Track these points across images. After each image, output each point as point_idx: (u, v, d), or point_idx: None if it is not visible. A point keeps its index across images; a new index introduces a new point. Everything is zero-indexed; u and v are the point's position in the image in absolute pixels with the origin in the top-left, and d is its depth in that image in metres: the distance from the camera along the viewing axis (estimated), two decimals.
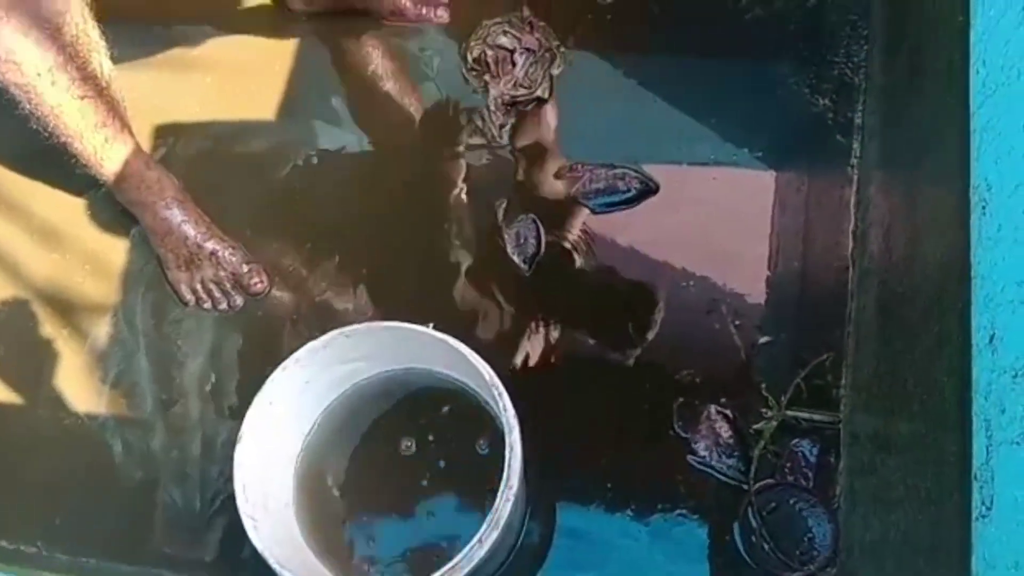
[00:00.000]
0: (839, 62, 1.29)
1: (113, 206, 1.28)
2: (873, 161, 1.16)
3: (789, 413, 1.08)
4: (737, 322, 1.16)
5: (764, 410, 1.09)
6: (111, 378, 1.23)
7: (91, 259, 1.30)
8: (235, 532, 0.99)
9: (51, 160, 1.18)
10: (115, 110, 1.17)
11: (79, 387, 1.23)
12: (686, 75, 1.35)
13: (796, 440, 1.07)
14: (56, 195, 1.34)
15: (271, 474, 1.01)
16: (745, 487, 1.05)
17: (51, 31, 1.05)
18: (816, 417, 1.08)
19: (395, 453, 1.08)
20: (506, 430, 0.93)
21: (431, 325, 1.00)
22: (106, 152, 1.16)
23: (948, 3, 0.82)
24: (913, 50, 0.98)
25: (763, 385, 1.10)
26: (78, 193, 1.32)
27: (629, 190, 1.24)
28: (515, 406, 0.94)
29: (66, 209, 1.33)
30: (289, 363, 0.99)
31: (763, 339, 1.15)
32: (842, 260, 1.17)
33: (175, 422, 1.19)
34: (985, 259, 0.67)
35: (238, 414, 1.16)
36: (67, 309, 1.28)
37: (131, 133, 1.20)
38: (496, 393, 0.93)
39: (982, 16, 0.73)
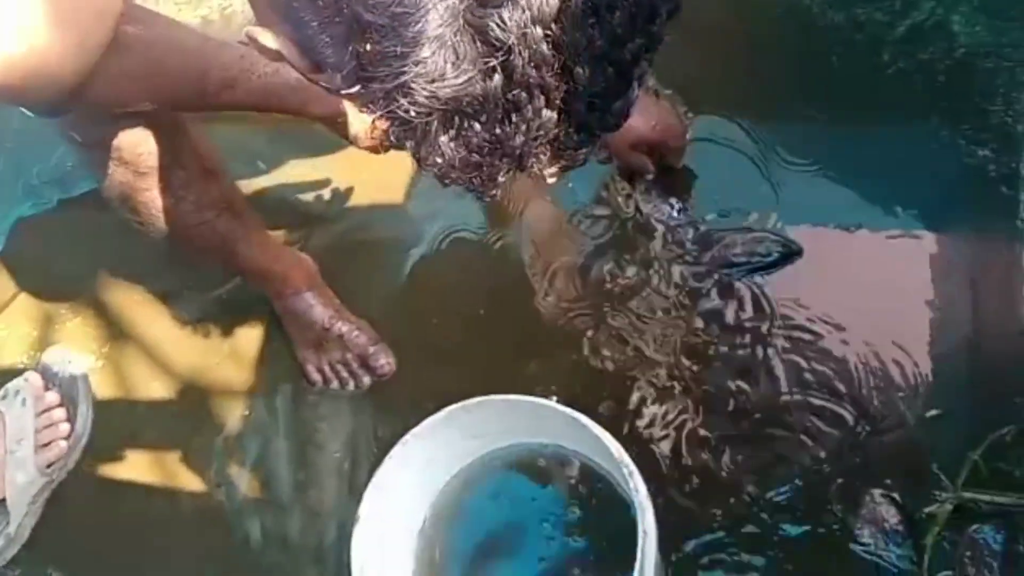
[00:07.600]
0: (997, 110, 1.18)
1: (248, 293, 1.30)
2: None
3: (966, 495, 0.95)
4: (901, 394, 1.05)
5: (936, 492, 0.96)
6: (251, 461, 1.23)
7: (229, 344, 1.32)
8: None
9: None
10: (236, 222, 1.13)
11: (220, 470, 1.23)
12: (826, 133, 1.27)
13: (976, 526, 0.94)
14: (193, 287, 1.37)
15: (389, 555, 0.96)
16: None
17: (163, 176, 1.01)
18: (999, 500, 0.94)
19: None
20: (638, 513, 0.85)
21: (554, 399, 0.94)
22: (230, 260, 1.17)
23: None
24: None
25: (934, 464, 0.99)
26: (214, 284, 1.35)
27: (770, 254, 1.16)
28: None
29: (203, 301, 1.36)
30: (408, 438, 0.95)
31: (932, 412, 1.03)
32: (1019, 324, 1.04)
33: (312, 506, 1.18)
34: None
35: None
36: (207, 394, 1.29)
37: (256, 235, 1.18)
38: (626, 472, 0.85)
39: None
